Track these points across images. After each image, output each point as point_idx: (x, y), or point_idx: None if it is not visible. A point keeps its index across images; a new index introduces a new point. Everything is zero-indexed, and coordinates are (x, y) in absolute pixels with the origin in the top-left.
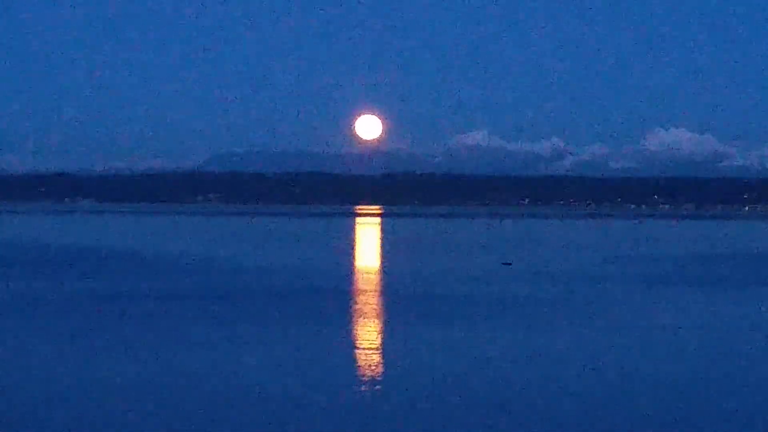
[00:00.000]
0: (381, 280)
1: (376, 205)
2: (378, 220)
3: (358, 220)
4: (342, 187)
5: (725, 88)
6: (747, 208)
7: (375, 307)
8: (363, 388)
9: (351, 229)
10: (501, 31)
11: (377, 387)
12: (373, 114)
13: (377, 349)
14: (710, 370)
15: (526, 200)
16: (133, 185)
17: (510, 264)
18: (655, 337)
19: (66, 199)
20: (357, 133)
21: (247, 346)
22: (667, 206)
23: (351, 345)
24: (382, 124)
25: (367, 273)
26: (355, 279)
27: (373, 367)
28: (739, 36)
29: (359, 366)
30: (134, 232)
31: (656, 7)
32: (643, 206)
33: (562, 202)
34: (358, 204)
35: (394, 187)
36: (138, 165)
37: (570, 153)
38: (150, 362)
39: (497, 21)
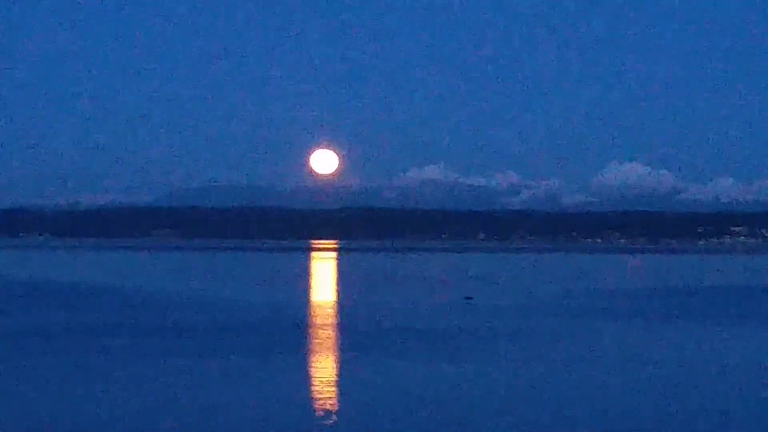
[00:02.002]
0: (344, 315)
1: (332, 239)
2: (335, 254)
3: (315, 254)
4: (298, 222)
5: (680, 123)
6: (702, 241)
7: (338, 342)
8: (317, 423)
9: (309, 264)
10: (454, 65)
11: (330, 422)
12: (329, 148)
13: (335, 384)
14: (668, 403)
15: (482, 235)
16: (88, 220)
17: (472, 299)
18: (614, 372)
19: (21, 234)
20: (312, 167)
21: (203, 381)
22: (622, 240)
23: (310, 381)
24: (338, 158)
25: (328, 308)
26: (315, 314)
27: (330, 403)
28: (694, 70)
29: (316, 401)
30: (88, 268)
31: (610, 40)
32: (599, 240)
33: (518, 237)
34: (315, 239)
35: (350, 221)
36: (93, 200)
37: (525, 187)
38: (102, 398)
39: (450, 54)
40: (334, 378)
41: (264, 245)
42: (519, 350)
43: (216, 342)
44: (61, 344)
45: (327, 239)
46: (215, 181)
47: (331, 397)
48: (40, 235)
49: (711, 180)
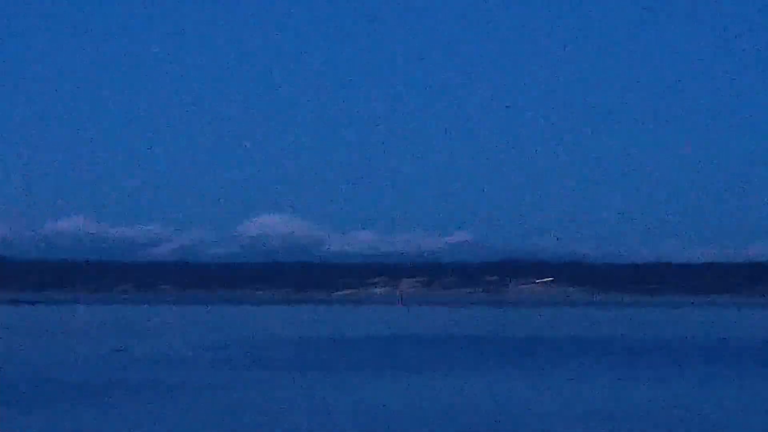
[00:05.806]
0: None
1: None
2: None
3: None
4: None
5: (323, 172)
6: (343, 292)
7: None
8: None
9: None
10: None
11: None
12: None
13: None
14: None
15: (128, 286)
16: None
17: (123, 350)
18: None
19: None
20: None
21: None
22: (262, 291)
23: None
24: None
25: None
26: None
27: None
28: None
29: None
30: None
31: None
32: (240, 291)
33: (161, 289)
34: None
35: None
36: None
37: (168, 238)
38: None
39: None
40: None
41: None
42: (175, 402)
43: None
44: None
45: None
46: None
47: None
48: None
49: (350, 230)
